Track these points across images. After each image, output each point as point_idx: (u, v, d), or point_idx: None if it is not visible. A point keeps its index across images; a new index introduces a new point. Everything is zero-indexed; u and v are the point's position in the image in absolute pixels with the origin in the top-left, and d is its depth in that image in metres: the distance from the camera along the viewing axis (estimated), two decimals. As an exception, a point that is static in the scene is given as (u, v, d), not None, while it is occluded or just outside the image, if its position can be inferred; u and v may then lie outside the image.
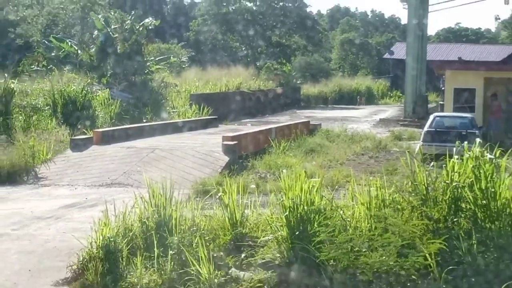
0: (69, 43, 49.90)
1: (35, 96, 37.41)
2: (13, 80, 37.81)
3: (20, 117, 33.72)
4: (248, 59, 62.88)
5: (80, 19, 53.12)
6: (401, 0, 45.10)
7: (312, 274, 12.24)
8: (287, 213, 13.19)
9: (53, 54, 49.49)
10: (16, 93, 35.17)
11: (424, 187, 13.12)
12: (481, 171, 12.82)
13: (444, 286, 11.43)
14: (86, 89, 38.13)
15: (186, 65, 55.86)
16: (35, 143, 27.92)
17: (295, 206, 13.12)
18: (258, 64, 60.94)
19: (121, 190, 21.50)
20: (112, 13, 50.13)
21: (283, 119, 43.29)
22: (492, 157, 13.17)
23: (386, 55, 72.29)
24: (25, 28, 60.92)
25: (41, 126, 32.80)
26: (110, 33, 47.03)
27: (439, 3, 45.58)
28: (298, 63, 68.04)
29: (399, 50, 58.71)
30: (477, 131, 24.34)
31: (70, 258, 14.10)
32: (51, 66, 46.63)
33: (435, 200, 12.90)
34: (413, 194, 13.27)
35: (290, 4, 74.26)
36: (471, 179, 12.86)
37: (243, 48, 67.51)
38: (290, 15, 72.51)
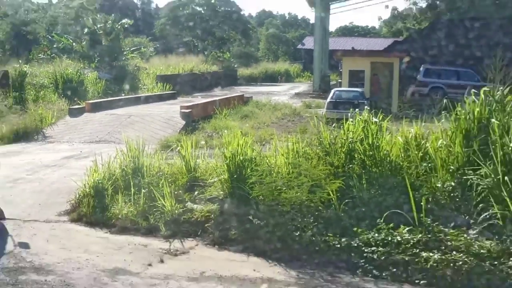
0: (67, 38, 50.99)
1: (42, 77, 38.06)
2: (25, 65, 38.91)
3: (31, 92, 34.52)
4: (198, 50, 64.81)
5: (74, 20, 54.93)
6: (309, 5, 45.84)
7: (246, 207, 12.43)
8: (227, 161, 13.45)
9: (54, 46, 51.31)
10: (28, 75, 36.07)
11: (327, 142, 13.64)
12: (368, 130, 13.27)
13: (342, 214, 11.69)
14: (79, 71, 39.33)
15: (153, 54, 57.58)
16: (43, 111, 28.28)
17: (233, 157, 13.37)
18: (205, 53, 62.82)
19: (106, 145, 21.63)
20: (98, 16, 51.62)
21: (224, 93, 43.74)
22: (376, 120, 13.66)
23: (299, 46, 73.18)
24: (34, 26, 62.32)
25: (46, 99, 33.23)
26: (97, 30, 48.35)
27: (338, 7, 46.00)
28: (235, 52, 69.55)
29: (309, 42, 59.10)
30: (365, 101, 24.66)
31: (70, 196, 14.38)
32: (53, 55, 48.12)
33: (335, 151, 13.33)
34: (319, 148, 13.70)
35: (228, 9, 76.99)
36: (361, 136, 13.28)
37: (195, 41, 69.61)
38: (229, 17, 75.34)
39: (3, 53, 51.34)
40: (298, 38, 73.59)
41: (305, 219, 11.75)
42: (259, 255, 11.38)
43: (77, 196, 14.22)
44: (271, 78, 61.02)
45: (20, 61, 40.88)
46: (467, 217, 11.28)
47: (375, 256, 10.62)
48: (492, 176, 11.39)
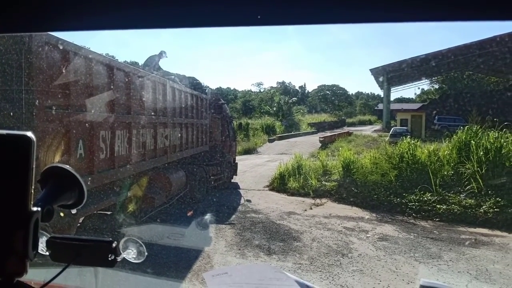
0: (267, 106, 53.14)
1: (256, 124, 39.60)
2: (249, 119, 40.45)
3: (251, 132, 35.49)
4: (324, 110, 69.83)
5: (270, 98, 56.75)
6: (380, 88, 41.10)
7: (351, 184, 13.29)
8: (341, 162, 14.33)
9: (262, 111, 52.03)
10: (250, 124, 37.51)
11: (390, 152, 14.12)
12: (409, 146, 13.94)
13: (397, 187, 12.37)
14: (272, 122, 41.36)
15: (306, 113, 60.14)
16: (256, 140, 30.69)
17: (344, 159, 14.37)
18: (327, 112, 67.83)
19: (285, 156, 21.66)
20: (281, 96, 54.31)
21: (340, 131, 45.96)
22: (413, 142, 14.51)
23: (376, 107, 65.32)
24: (253, 102, 60.94)
25: (258, 135, 34.93)
26: (280, 102, 50.71)
27: (394, 89, 45.33)
28: (344, 111, 72.33)
29: (380, 106, 52.63)
30: (408, 133, 25.12)
31: (268, 179, 15.66)
32: (261, 115, 48.59)
33: (394, 157, 13.72)
34: (385, 155, 14.03)
35: (341, 91, 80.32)
36: (406, 150, 13.90)
37: (326, 107, 73.99)
38: (340, 94, 79.48)
39: (240, 113, 52.14)
40: (376, 104, 73.68)
41: (380, 189, 12.54)
42: (358, 206, 12.28)
43: (272, 179, 15.37)
44: (362, 123, 61.82)
45: (246, 117, 42.78)
46: (459, 188, 11.77)
47: (413, 207, 11.45)
48: (472, 168, 11.97)
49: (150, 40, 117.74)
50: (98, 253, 1.09)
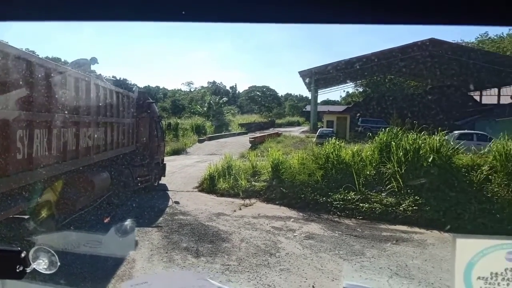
0: (197, 106, 52.82)
1: (186, 124, 39.17)
2: (179, 119, 39.46)
3: (181, 132, 35.18)
4: (259, 111, 71.17)
5: (201, 98, 56.99)
6: (308, 90, 41.16)
7: (279, 183, 13.46)
8: (271, 162, 14.36)
9: (192, 110, 51.97)
10: (179, 124, 36.84)
11: (316, 153, 14.31)
12: (335, 147, 14.29)
13: (323, 186, 12.71)
14: (202, 123, 41.50)
15: (237, 113, 60.71)
16: (185, 141, 30.37)
17: (273, 160, 14.37)
18: (261, 113, 68.54)
19: (215, 156, 21.62)
20: (212, 96, 55.70)
21: (269, 131, 46.25)
22: (338, 143, 14.89)
23: (304, 109, 65.26)
24: (183, 102, 60.68)
25: (187, 135, 34.77)
26: (211, 103, 50.84)
27: (321, 92, 46.80)
28: (274, 112, 73.86)
29: (308, 107, 53.51)
30: (334, 135, 25.17)
31: (198, 180, 15.58)
32: (191, 115, 48.74)
33: (320, 157, 14.05)
34: (313, 155, 14.24)
35: (271, 93, 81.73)
36: (332, 150, 14.32)
37: (256, 108, 75.45)
38: (271, 96, 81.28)
39: (169, 113, 49.98)
40: (304, 105, 76.39)
41: (307, 189, 12.82)
42: (286, 206, 12.53)
43: (201, 179, 15.31)
44: (291, 124, 63.72)
45: (176, 117, 42.06)
46: (380, 187, 12.37)
47: (338, 206, 11.84)
48: (392, 168, 12.56)
49: (72, 35, 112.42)
50: (5, 264, 1.02)
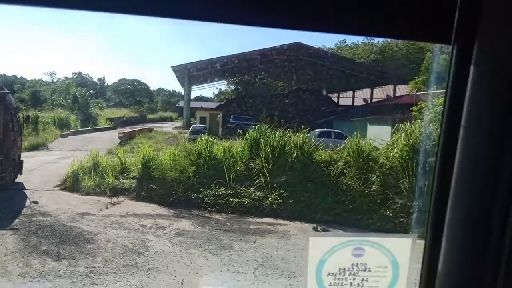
0: (61, 98, 49.34)
1: (47, 118, 36.65)
2: (39, 112, 37.46)
3: (41, 126, 32.90)
4: (129, 105, 69.28)
5: (65, 90, 52.78)
6: (182, 86, 42.64)
7: (149, 181, 13.26)
8: (141, 159, 14.08)
9: (54, 103, 49.01)
10: (39, 117, 34.64)
11: (189, 149, 14.35)
12: (207, 143, 14.39)
13: (195, 183, 12.84)
14: (67, 116, 38.39)
15: (105, 107, 59.02)
16: (47, 135, 28.89)
17: (144, 156, 14.09)
18: (131, 107, 67.29)
19: (80, 152, 20.20)
20: (78, 88, 50.33)
21: (140, 127, 45.73)
22: (211, 139, 15.04)
23: (177, 105, 65.50)
24: (44, 93, 56.96)
25: (49, 129, 32.74)
26: (77, 95, 47.51)
27: (195, 88, 48.10)
28: (146, 107, 73.24)
29: (181, 103, 56.55)
30: (206, 131, 24.77)
31: (60, 177, 14.63)
32: (53, 107, 45.88)
33: (192, 153, 14.10)
34: (185, 152, 14.29)
35: (142, 86, 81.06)
36: (204, 146, 14.36)
37: (126, 102, 73.17)
38: (143, 90, 79.78)
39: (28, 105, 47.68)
40: (177, 101, 76.64)
41: (178, 186, 12.78)
42: (156, 203, 12.35)
43: (64, 177, 14.44)
44: (164, 119, 63.58)
45: (36, 110, 39.31)
46: (250, 182, 12.79)
47: (209, 201, 12.02)
48: (260, 164, 13.06)
49: None
50: None
